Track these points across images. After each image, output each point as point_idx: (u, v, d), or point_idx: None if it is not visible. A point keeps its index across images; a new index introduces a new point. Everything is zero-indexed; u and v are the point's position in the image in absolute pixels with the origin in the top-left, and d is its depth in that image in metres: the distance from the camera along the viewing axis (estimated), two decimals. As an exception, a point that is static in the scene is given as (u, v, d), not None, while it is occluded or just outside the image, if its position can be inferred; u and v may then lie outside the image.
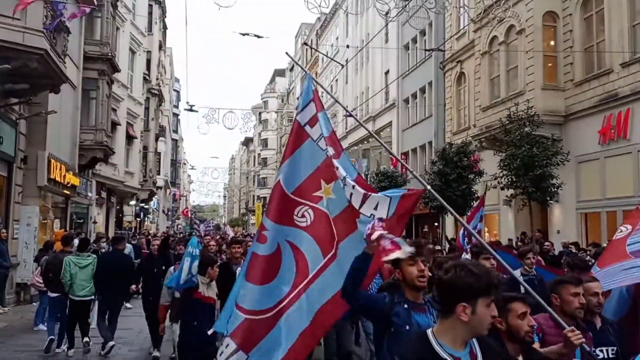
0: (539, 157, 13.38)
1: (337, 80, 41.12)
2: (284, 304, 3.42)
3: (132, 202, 32.74)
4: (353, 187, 3.45)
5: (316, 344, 3.48)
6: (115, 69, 21.33)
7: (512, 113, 15.17)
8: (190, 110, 23.31)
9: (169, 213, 61.88)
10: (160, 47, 37.93)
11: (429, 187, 3.39)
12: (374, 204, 3.35)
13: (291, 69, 64.38)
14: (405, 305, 3.19)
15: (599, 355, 3.51)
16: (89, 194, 21.56)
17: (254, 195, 76.37)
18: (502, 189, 14.94)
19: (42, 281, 10.57)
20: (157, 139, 38.25)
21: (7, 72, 10.62)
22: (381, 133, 33.20)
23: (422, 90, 27.15)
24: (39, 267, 10.97)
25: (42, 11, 11.00)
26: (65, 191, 17.06)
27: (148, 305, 8.46)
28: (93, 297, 8.72)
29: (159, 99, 37.38)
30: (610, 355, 3.56)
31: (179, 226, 61.31)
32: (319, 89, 4.37)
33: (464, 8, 19.25)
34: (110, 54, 20.25)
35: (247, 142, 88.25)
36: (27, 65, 10.90)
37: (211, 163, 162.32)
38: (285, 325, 3.39)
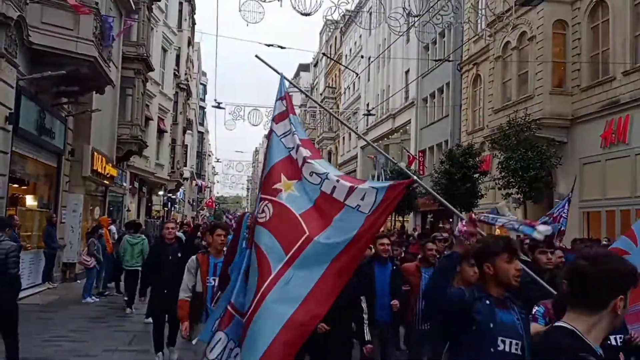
0: (533, 161, 14.43)
1: (359, 78, 42.15)
2: (254, 303, 3.28)
3: (161, 192, 34.10)
4: (337, 181, 3.46)
5: (301, 344, 3.19)
6: (150, 67, 22.82)
7: (511, 119, 16.19)
8: (218, 107, 24.70)
9: (194, 203, 63.51)
10: (189, 44, 39.22)
11: (414, 176, 3.51)
12: (360, 195, 3.37)
13: (315, 64, 65.42)
14: (487, 302, 3.01)
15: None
16: (124, 184, 23.17)
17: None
18: (499, 188, 16.00)
19: (88, 260, 12.24)
20: (184, 132, 39.40)
21: (62, 76, 12.09)
22: (401, 130, 34.24)
23: (440, 90, 28.08)
24: (87, 248, 12.60)
25: (92, 22, 12.43)
26: (105, 181, 18.64)
27: (158, 298, 7.32)
28: (140, 268, 10.63)
29: (187, 93, 38.74)
30: (619, 344, 3.61)
31: (204, 217, 62.93)
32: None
33: (483, 12, 20.20)
34: (145, 54, 21.74)
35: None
36: (78, 70, 12.37)
37: (236, 156, 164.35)
38: (256, 326, 3.20)
